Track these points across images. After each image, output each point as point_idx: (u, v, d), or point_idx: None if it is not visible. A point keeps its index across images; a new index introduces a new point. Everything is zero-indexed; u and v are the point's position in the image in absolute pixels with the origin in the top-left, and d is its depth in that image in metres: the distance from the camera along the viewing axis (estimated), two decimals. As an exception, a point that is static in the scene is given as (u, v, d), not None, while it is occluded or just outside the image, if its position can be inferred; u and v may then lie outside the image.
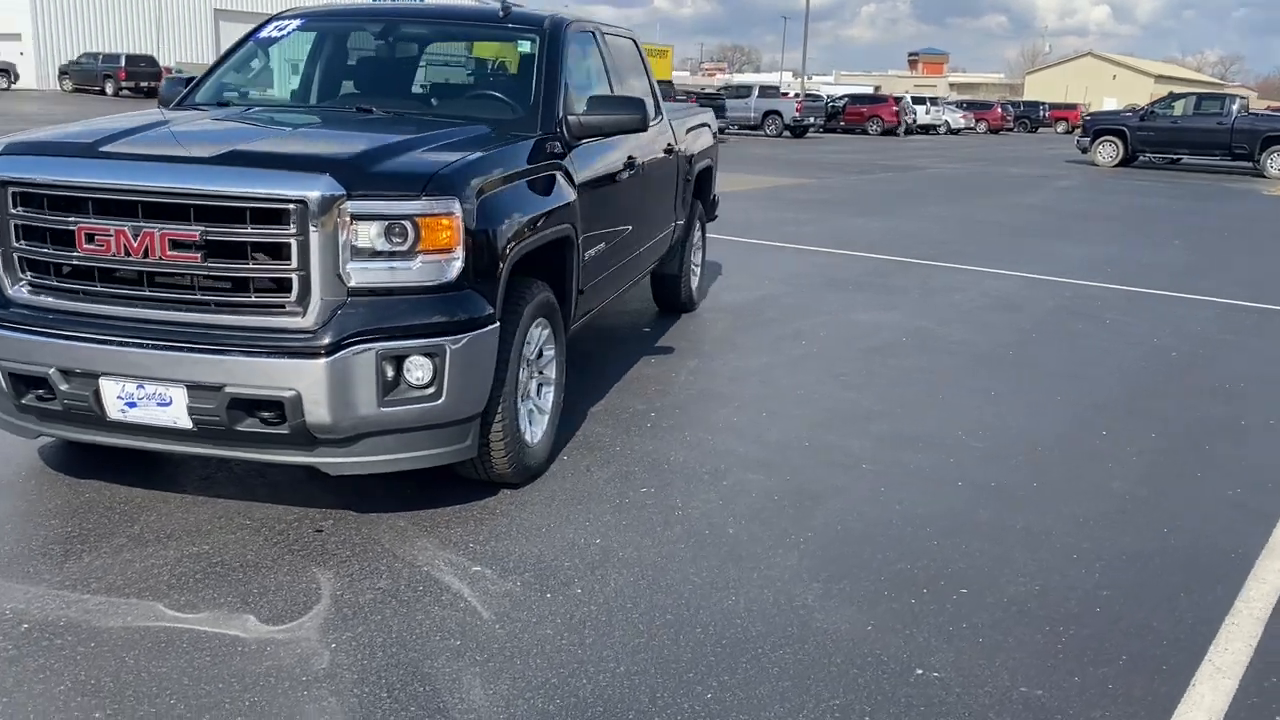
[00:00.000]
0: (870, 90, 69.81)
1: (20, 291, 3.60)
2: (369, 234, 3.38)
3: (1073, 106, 61.93)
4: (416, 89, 5.01)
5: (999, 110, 55.67)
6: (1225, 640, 3.19)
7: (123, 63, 43.70)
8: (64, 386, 3.49)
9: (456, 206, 3.48)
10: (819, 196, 16.74)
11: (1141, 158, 27.25)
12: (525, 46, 4.89)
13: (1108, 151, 26.87)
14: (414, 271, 3.45)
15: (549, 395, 4.37)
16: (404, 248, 3.42)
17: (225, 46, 5.48)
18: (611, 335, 6.73)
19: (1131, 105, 38.34)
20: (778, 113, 37.98)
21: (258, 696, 2.70)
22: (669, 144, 6.31)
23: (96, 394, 3.47)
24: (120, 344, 3.43)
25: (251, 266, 3.37)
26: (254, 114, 4.57)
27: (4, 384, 3.62)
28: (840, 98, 48.22)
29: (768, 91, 40.62)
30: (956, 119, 50.67)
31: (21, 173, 3.52)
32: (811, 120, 38.63)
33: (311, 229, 3.31)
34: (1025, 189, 19.84)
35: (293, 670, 2.82)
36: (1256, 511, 4.23)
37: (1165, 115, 26.61)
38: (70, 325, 3.50)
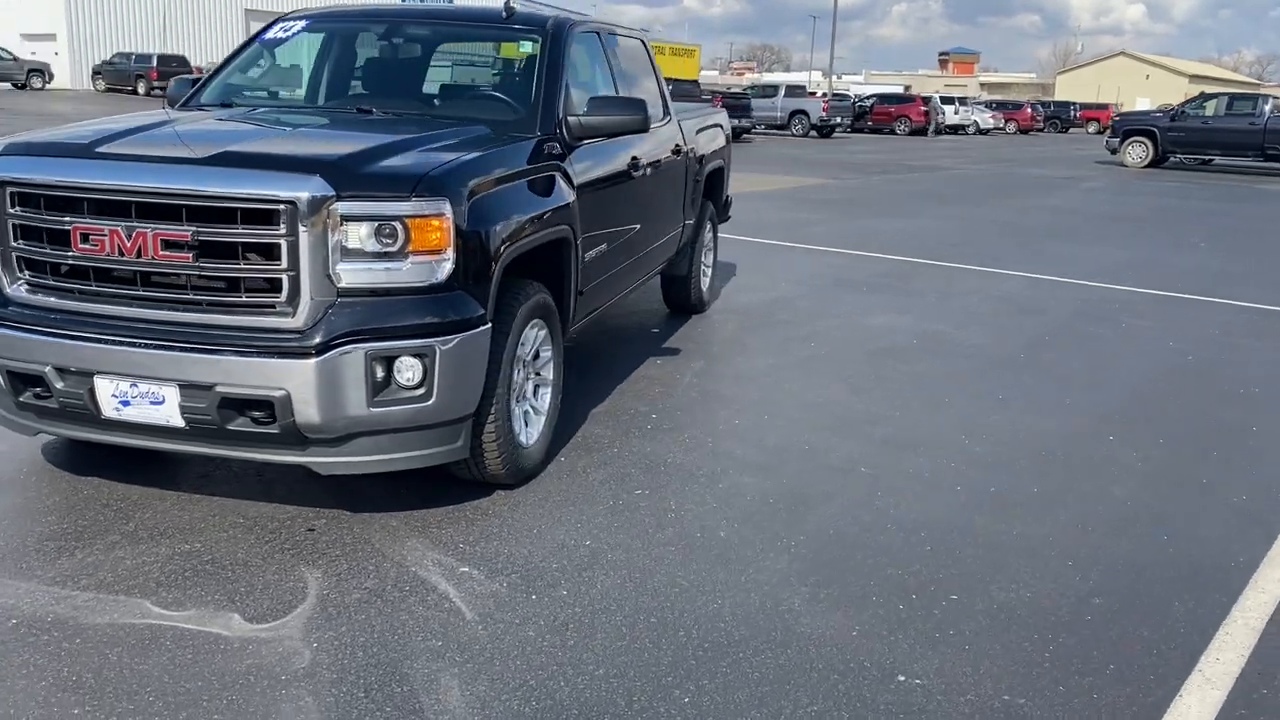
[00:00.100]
0: (900, 90, 69.42)
1: (19, 290, 3.65)
2: (359, 235, 3.40)
3: (1104, 106, 61.29)
4: (419, 90, 5.02)
5: (1029, 110, 55.23)
6: (1217, 650, 3.14)
7: (154, 63, 44.11)
8: (60, 385, 3.53)
9: (447, 207, 3.49)
10: (839, 197, 16.67)
11: (1172, 159, 26.94)
12: (527, 47, 4.89)
13: (1137, 152, 26.57)
14: (404, 272, 3.46)
15: (546, 396, 4.38)
16: (394, 248, 3.43)
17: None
18: (619, 336, 6.73)
19: (1164, 105, 37.89)
20: (804, 112, 37.88)
21: (235, 695, 2.72)
22: (677, 145, 6.29)
23: (91, 392, 3.50)
24: (114, 343, 3.47)
25: (242, 267, 3.39)
26: (254, 115, 4.61)
27: (2, 382, 3.67)
28: (868, 97, 48.01)
29: (794, 91, 40.49)
30: (985, 119, 50.32)
31: (19, 173, 3.56)
32: (838, 120, 38.51)
33: (301, 229, 3.33)
34: (1050, 190, 19.66)
35: (272, 669, 2.84)
36: (1262, 519, 4.16)
37: (1196, 116, 26.28)
38: (66, 324, 3.54)
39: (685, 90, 31.17)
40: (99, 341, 3.48)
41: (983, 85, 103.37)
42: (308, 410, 3.38)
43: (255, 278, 3.41)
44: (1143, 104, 71.34)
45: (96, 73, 46.50)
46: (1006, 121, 52.87)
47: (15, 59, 43.99)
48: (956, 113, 47.84)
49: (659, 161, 5.87)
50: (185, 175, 3.39)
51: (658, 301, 7.38)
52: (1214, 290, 9.19)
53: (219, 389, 3.38)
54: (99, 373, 3.49)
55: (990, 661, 3.03)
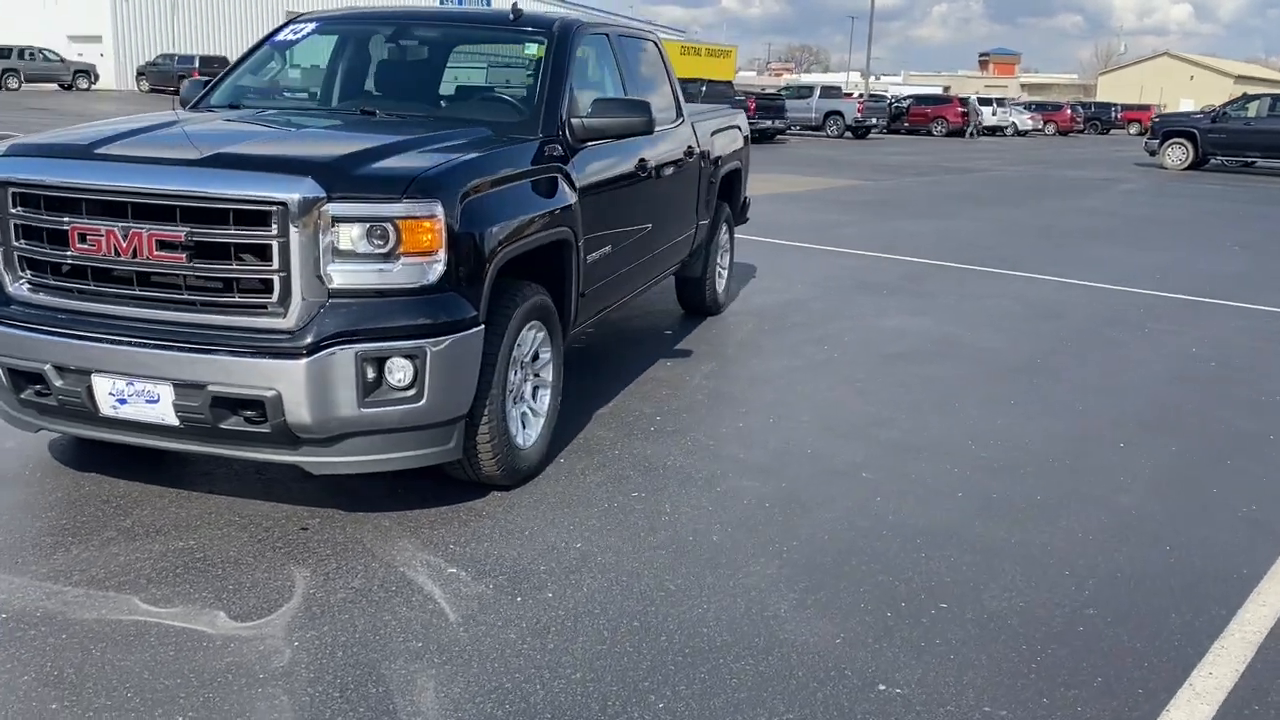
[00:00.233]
0: (939, 91, 68.80)
1: (20, 289, 3.70)
2: (350, 236, 3.41)
3: (1146, 108, 60.42)
4: (425, 91, 5.03)
5: (1068, 111, 54.59)
6: (1210, 664, 3.07)
7: (197, 63, 44.70)
8: (58, 382, 3.58)
9: (439, 209, 3.49)
10: (869, 198, 16.55)
11: (1213, 161, 26.48)
12: (532, 49, 4.89)
13: (1177, 154, 26.15)
14: (395, 273, 3.47)
15: (545, 398, 4.37)
16: (385, 250, 3.44)
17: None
18: (631, 337, 6.72)
19: (1207, 107, 37.29)
20: (839, 113, 37.67)
21: (212, 693, 2.74)
22: (690, 146, 6.27)
23: (89, 390, 3.55)
24: (111, 342, 3.51)
25: (235, 267, 3.42)
26: (257, 116, 4.65)
27: (4, 379, 3.73)
28: (905, 98, 47.66)
29: (829, 92, 40.26)
30: (1024, 120, 49.78)
31: (20, 173, 3.62)
32: (873, 121, 38.25)
33: (292, 230, 3.35)
34: (1086, 192, 19.40)
35: (251, 667, 2.86)
36: (1271, 531, 4.07)
37: (1238, 117, 25.78)
38: (65, 323, 3.59)
39: (719, 91, 31.13)
40: (96, 340, 3.52)
41: (1023, 86, 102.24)
42: (299, 410, 3.40)
43: (247, 278, 3.43)
44: (1186, 105, 70.22)
45: (140, 74, 47.26)
46: (1045, 123, 52.30)
47: (62, 60, 44.85)
48: (994, 114, 47.32)
49: (670, 163, 5.86)
50: (179, 176, 3.43)
51: (673, 303, 7.36)
52: (1244, 295, 9.02)
53: (211, 388, 3.41)
54: (96, 371, 3.53)
55: (975, 672, 2.99)
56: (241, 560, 3.48)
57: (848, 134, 37.31)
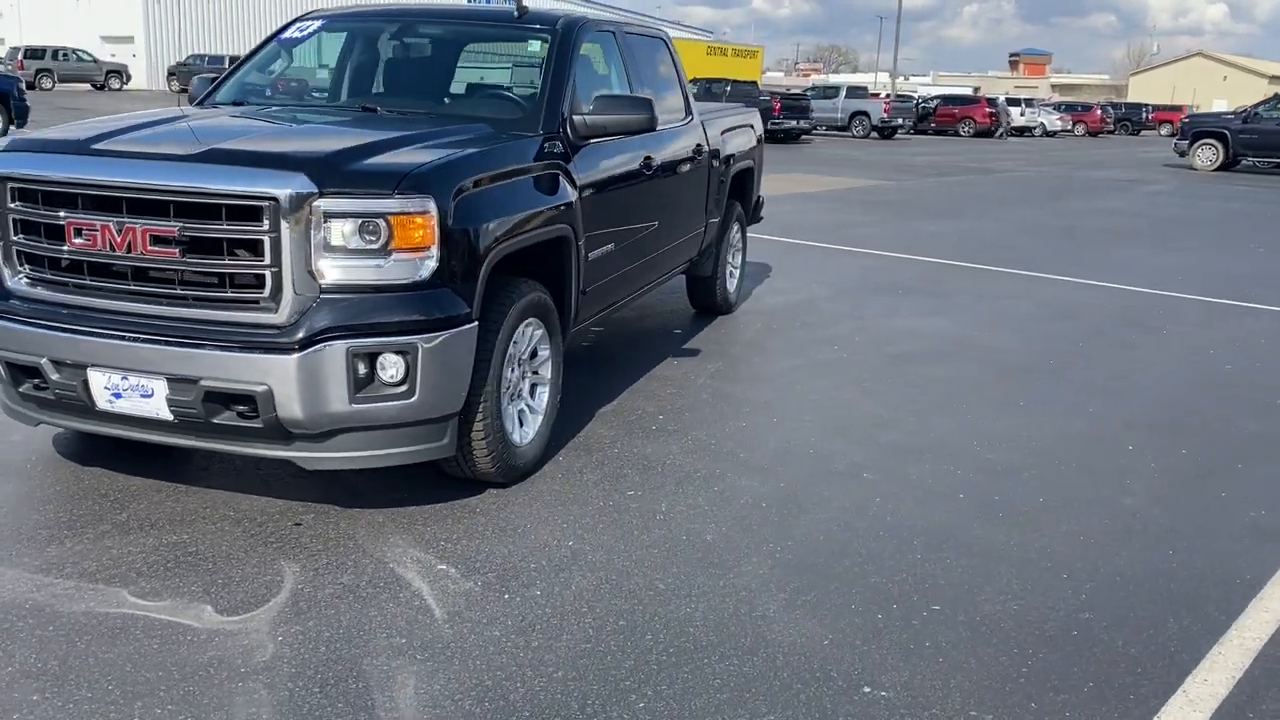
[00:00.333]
0: (969, 92, 68.33)
1: (19, 284, 3.73)
2: (342, 231, 3.41)
3: (1178, 108, 59.70)
4: (429, 88, 5.04)
5: (1098, 112, 54.00)
6: (1206, 671, 3.02)
7: (226, 64, 45.07)
8: (55, 376, 3.61)
9: (431, 205, 3.49)
10: (891, 198, 16.44)
11: (1244, 162, 26.12)
12: (535, 46, 4.88)
13: (1206, 155, 25.82)
14: (387, 269, 3.47)
15: (544, 395, 4.36)
16: (377, 246, 3.44)
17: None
18: (640, 336, 6.70)
19: (1240, 108, 36.80)
20: (865, 114, 37.48)
21: (193, 686, 2.74)
22: (698, 144, 6.24)
23: (85, 384, 3.57)
24: (106, 336, 3.53)
25: (227, 262, 3.43)
26: (259, 112, 4.66)
27: (3, 373, 3.77)
28: (932, 99, 47.35)
29: (855, 92, 40.08)
30: (1052, 121, 49.33)
31: (19, 168, 3.65)
32: (899, 121, 38.04)
33: (284, 226, 3.35)
34: (1111, 193, 19.19)
35: (233, 661, 2.86)
36: (1277, 536, 4.00)
37: (1271, 117, 25.38)
38: (62, 317, 3.62)
39: (744, 91, 31.07)
40: (92, 335, 3.55)
41: (1054, 87, 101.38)
42: (290, 405, 3.40)
43: (240, 273, 3.44)
44: (1219, 106, 69.32)
45: (172, 74, 47.69)
46: (1075, 124, 51.78)
47: (95, 61, 45.42)
48: (1022, 115, 46.96)
49: (677, 161, 5.83)
50: (172, 172, 3.44)
51: (684, 302, 7.34)
52: (1267, 298, 8.88)
53: (204, 383, 3.42)
54: (92, 365, 3.55)
55: (963, 675, 2.94)
56: (233, 555, 3.48)
57: (873, 134, 37.12)
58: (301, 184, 3.35)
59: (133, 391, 3.54)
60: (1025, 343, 6.96)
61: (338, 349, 3.39)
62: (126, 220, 3.44)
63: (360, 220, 3.41)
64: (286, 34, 5.23)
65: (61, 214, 3.53)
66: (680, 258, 6.25)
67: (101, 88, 44.05)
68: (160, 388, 3.48)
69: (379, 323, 3.46)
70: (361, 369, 3.46)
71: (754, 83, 38.23)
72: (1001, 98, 47.88)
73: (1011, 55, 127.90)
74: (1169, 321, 7.82)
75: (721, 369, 6.00)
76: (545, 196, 4.20)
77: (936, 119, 43.13)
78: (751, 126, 7.74)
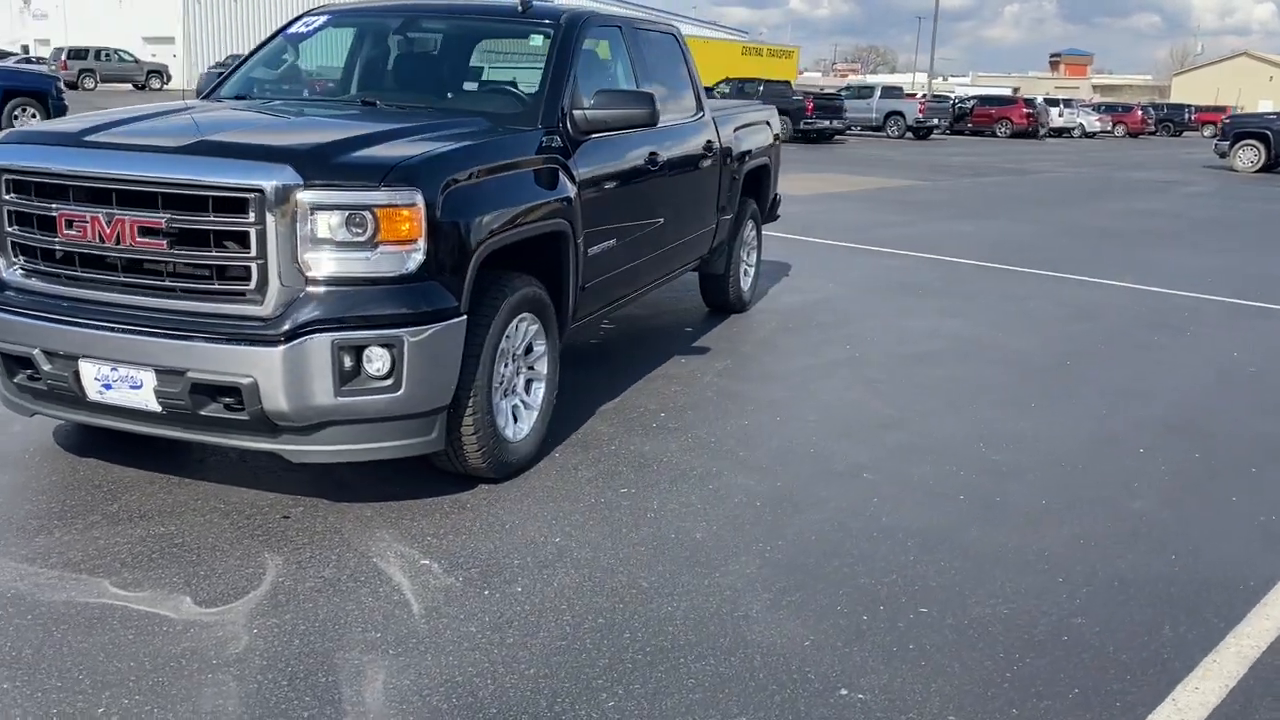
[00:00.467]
0: (1008, 92, 67.58)
1: (14, 274, 3.76)
2: (329, 224, 3.40)
3: (1222, 109, 58.65)
4: (430, 82, 5.02)
5: (1139, 113, 53.21)
6: (1198, 679, 2.92)
7: (262, 64, 45.61)
8: (47, 367, 3.63)
9: (418, 197, 3.47)
10: (921, 199, 16.27)
11: (1287, 163, 25.62)
12: (538, 40, 4.85)
13: (1248, 156, 25.35)
14: (373, 262, 3.45)
15: (539, 391, 4.33)
16: (364, 238, 3.42)
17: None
18: (650, 334, 6.66)
19: (1284, 107, 36.06)
20: (900, 114, 37.19)
21: (162, 677, 2.73)
22: (709, 141, 6.18)
23: (76, 375, 3.59)
24: (97, 327, 3.54)
25: (214, 254, 3.43)
26: (258, 105, 4.68)
27: (0, 364, 3.79)
28: (969, 99, 46.89)
29: (890, 92, 39.76)
30: (1091, 122, 48.65)
31: (13, 160, 3.67)
32: (935, 122, 37.69)
33: (269, 218, 3.34)
34: (1148, 194, 18.88)
35: (205, 653, 2.85)
36: (1288, 541, 3.88)
37: (1315, 118, 24.94)
38: (54, 308, 3.63)
39: (777, 90, 30.94)
40: (83, 326, 3.56)
41: (1095, 88, 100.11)
42: (275, 397, 3.39)
43: (226, 265, 3.44)
44: (1264, 106, 68.07)
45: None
46: (1115, 124, 51.03)
47: (136, 61, 46.07)
48: (1061, 115, 46.37)
49: (685, 157, 5.79)
50: (160, 163, 3.44)
51: (698, 300, 7.28)
52: (1299, 299, 8.68)
53: (191, 374, 3.43)
54: (83, 356, 3.56)
55: (945, 680, 2.87)
56: (218, 547, 3.48)
57: (909, 135, 36.82)
58: (287, 176, 3.34)
59: (122, 383, 3.54)
60: (1043, 344, 6.84)
61: (322, 341, 3.38)
62: (116, 212, 3.45)
63: (346, 212, 3.40)
64: (293, 29, 5.24)
65: (53, 205, 3.55)
66: (689, 255, 6.19)
67: (142, 87, 44.66)
68: (149, 379, 3.49)
69: (365, 315, 3.44)
70: (347, 362, 3.44)
71: (788, 83, 38.04)
72: (1040, 98, 47.33)
73: (1052, 56, 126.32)
74: (1195, 323, 7.65)
75: (730, 367, 5.94)
76: (541, 191, 4.17)
77: (973, 119, 42.69)
78: (768, 123, 7.67)
